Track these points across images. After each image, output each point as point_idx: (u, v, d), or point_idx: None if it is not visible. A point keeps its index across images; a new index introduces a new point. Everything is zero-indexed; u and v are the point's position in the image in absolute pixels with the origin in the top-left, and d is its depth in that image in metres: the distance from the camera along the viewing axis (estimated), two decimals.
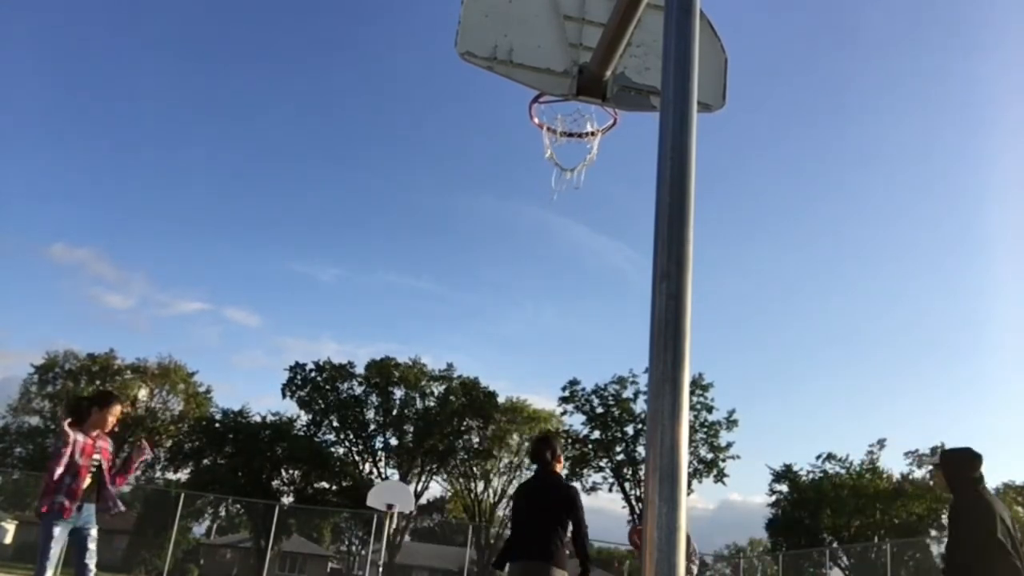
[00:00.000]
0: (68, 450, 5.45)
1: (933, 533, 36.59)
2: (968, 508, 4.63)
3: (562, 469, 5.99)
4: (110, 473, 5.79)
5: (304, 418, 43.78)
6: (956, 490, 4.79)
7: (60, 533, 5.38)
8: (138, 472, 5.61)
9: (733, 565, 43.38)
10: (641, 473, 37.93)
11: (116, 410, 5.76)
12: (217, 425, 42.98)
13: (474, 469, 44.00)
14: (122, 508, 5.83)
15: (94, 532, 5.62)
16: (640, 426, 39.28)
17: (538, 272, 73.58)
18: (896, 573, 29.87)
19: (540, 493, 5.58)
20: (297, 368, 44.34)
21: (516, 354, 69.86)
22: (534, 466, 5.88)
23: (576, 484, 5.93)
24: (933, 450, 39.17)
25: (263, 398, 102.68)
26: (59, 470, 5.35)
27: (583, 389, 41.59)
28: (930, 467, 6.06)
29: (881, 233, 69.48)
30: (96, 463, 5.64)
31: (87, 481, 5.57)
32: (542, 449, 5.74)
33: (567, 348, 69.76)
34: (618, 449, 40.77)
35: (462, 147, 72.27)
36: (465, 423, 43.27)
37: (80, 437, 5.57)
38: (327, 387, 43.98)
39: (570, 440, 42.10)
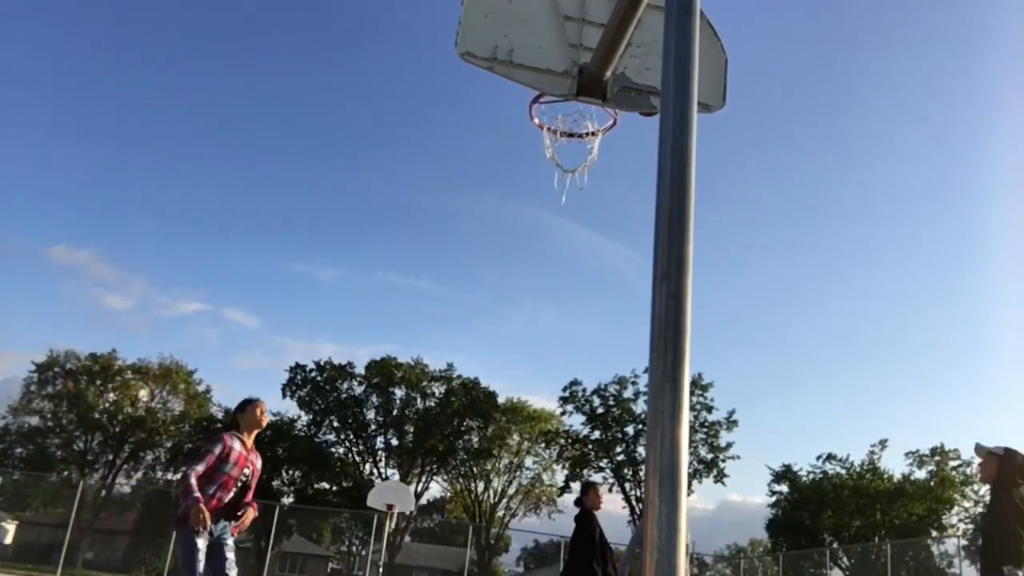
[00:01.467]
0: (218, 454, 5.02)
1: (934, 534, 36.58)
2: (1013, 502, 4.89)
3: (597, 504, 7.37)
4: (253, 492, 5.37)
5: (304, 418, 43.81)
6: (1002, 483, 4.96)
7: (203, 545, 4.93)
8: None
9: (733, 566, 43.38)
10: (641, 473, 37.92)
11: (261, 406, 5.45)
12: (218, 425, 42.96)
13: (474, 469, 43.99)
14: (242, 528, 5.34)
15: (231, 542, 5.20)
16: (640, 426, 39.24)
17: (538, 272, 73.66)
18: (896, 574, 29.85)
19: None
20: (297, 368, 44.36)
21: (516, 354, 69.91)
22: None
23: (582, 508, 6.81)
24: (932, 450, 39.15)
25: (262, 399, 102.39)
26: (200, 468, 4.92)
27: (583, 389, 41.60)
28: (985, 452, 6.08)
29: (881, 233, 69.54)
30: (245, 477, 5.23)
31: (231, 494, 5.14)
32: (578, 499, 7.44)
33: (567, 348, 69.84)
34: (618, 449, 40.75)
35: (462, 147, 72.37)
36: (465, 423, 43.26)
37: (237, 445, 5.17)
38: (327, 387, 43.99)
39: (570, 440, 42.10)
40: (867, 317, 67.61)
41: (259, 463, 5.44)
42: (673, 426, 2.25)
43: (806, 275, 72.69)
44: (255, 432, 5.38)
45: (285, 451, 41.29)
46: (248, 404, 5.45)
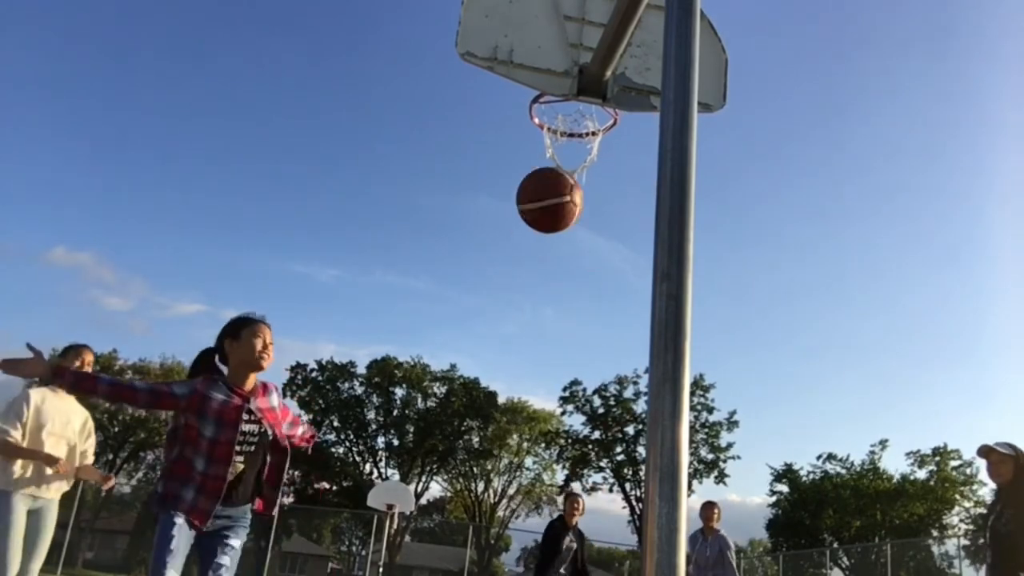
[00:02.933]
0: (174, 402, 3.14)
1: (934, 534, 36.58)
2: None
3: (570, 513, 7.62)
4: (281, 440, 3.41)
5: (304, 418, 43.72)
6: (1018, 483, 4.99)
7: (181, 535, 3.04)
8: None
9: None
10: (641, 473, 37.93)
11: (262, 331, 3.40)
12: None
13: (474, 469, 44.04)
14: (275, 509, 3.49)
15: (235, 542, 3.27)
16: (641, 426, 39.27)
17: (537, 272, 73.62)
18: (896, 574, 29.86)
19: None
20: (298, 368, 44.41)
21: (516, 354, 69.89)
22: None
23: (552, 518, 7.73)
24: (934, 450, 39.15)
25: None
26: (140, 386, 3.23)
27: (583, 389, 41.65)
28: (995, 452, 6.05)
29: (884, 235, 69.47)
30: (252, 437, 3.26)
31: (238, 467, 3.20)
32: None
33: (567, 348, 69.78)
34: (618, 449, 40.78)
35: (462, 147, 72.10)
36: (465, 423, 43.31)
37: (216, 393, 3.18)
38: (328, 387, 44.03)
39: (570, 440, 42.13)
40: (868, 317, 67.62)
41: (275, 400, 3.53)
42: (673, 426, 2.25)
43: (807, 276, 72.66)
44: (252, 374, 3.39)
45: None
46: (241, 327, 3.39)
